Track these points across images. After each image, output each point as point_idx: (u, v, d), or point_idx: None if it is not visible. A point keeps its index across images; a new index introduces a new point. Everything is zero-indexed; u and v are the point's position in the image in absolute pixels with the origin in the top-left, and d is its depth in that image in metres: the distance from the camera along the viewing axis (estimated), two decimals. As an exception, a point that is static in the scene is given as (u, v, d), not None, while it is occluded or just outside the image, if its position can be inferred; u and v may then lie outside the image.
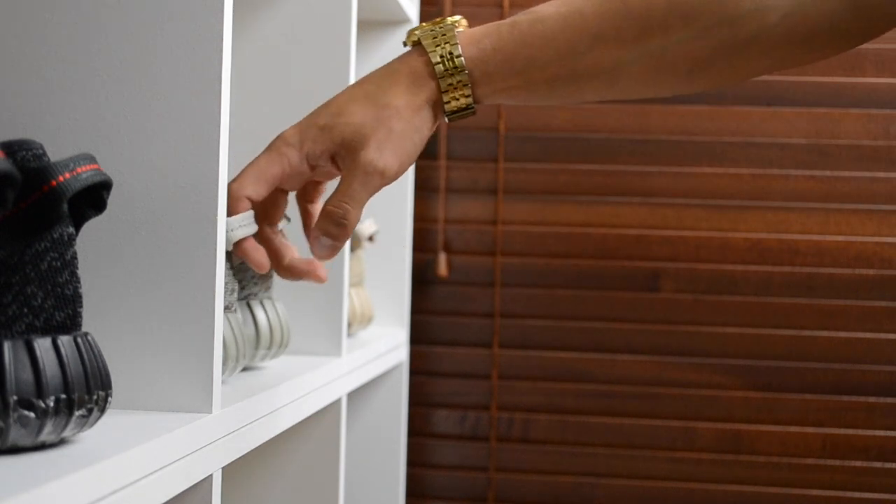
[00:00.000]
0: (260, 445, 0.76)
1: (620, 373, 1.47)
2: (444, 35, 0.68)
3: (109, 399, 0.51)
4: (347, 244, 0.96)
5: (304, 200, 0.73)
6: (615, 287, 1.48)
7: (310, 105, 0.72)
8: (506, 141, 1.50)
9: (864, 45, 1.44)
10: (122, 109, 0.61)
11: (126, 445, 0.51)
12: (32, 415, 0.46)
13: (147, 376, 0.61)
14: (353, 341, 1.13)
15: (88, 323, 0.60)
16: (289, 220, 0.76)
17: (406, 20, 1.36)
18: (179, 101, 0.60)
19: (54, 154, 0.57)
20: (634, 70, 0.68)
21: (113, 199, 0.60)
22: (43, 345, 0.47)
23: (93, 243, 0.61)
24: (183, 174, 0.60)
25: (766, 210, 1.46)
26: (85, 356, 0.49)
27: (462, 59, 0.67)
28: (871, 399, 1.44)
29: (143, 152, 0.61)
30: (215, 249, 0.60)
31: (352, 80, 0.95)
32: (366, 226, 1.16)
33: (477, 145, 1.51)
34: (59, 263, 0.49)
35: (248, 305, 0.79)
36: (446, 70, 0.67)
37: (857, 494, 1.44)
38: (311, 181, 0.72)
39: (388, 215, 1.36)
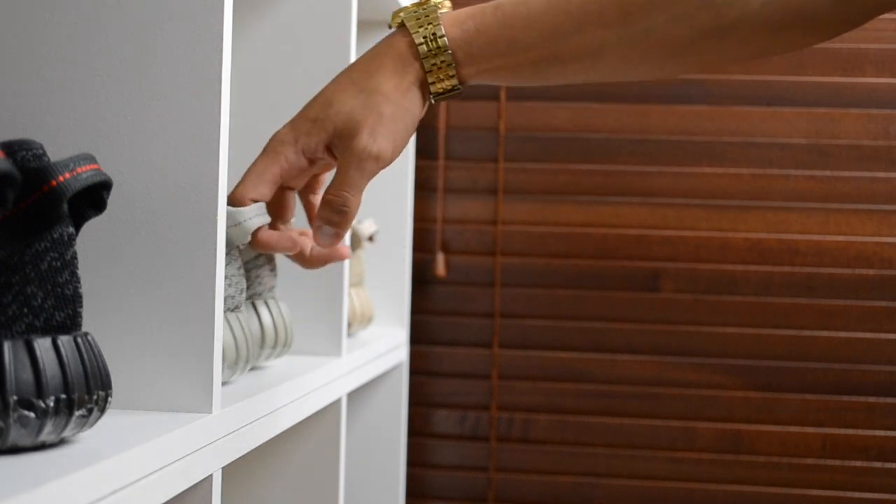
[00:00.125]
0: (260, 445, 0.76)
1: (620, 373, 1.47)
2: (428, 16, 0.68)
3: (109, 399, 0.51)
4: (348, 235, 0.96)
5: (305, 192, 0.73)
6: (615, 287, 1.48)
7: (310, 105, 0.71)
8: (506, 141, 1.50)
9: (865, 45, 1.44)
10: (122, 109, 0.61)
11: (126, 445, 0.51)
12: (32, 415, 0.46)
13: (147, 376, 0.61)
14: (353, 341, 1.13)
15: (88, 323, 0.60)
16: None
17: (406, 20, 1.36)
18: (179, 101, 0.60)
19: (54, 154, 0.57)
20: (617, 52, 0.68)
21: (113, 199, 0.60)
22: (43, 345, 0.47)
23: (93, 243, 0.61)
24: (183, 174, 0.60)
25: (766, 210, 1.46)
26: (85, 356, 0.49)
27: (445, 39, 0.67)
28: (871, 399, 1.44)
29: (143, 152, 0.61)
30: (215, 249, 0.60)
31: (352, 80, 0.95)
32: (366, 226, 1.16)
33: (477, 145, 1.51)
34: (59, 263, 0.49)
35: (253, 305, 0.79)
36: (430, 51, 0.67)
37: (857, 494, 1.44)
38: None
39: (388, 215, 1.36)
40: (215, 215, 0.60)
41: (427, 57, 0.67)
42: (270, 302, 0.81)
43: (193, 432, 0.58)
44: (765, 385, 1.45)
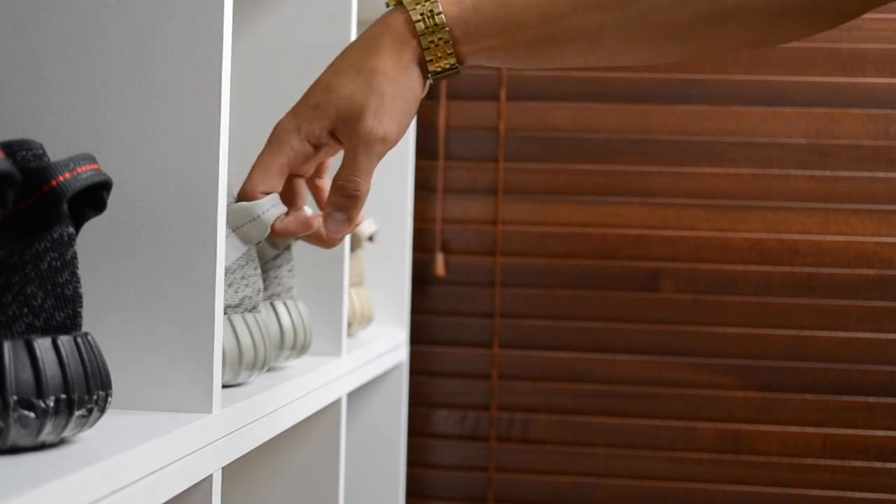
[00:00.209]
0: (260, 445, 0.76)
1: (620, 373, 1.47)
2: None
3: (109, 399, 0.51)
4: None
5: (312, 178, 0.73)
6: (615, 287, 1.48)
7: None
8: (506, 141, 1.50)
9: (865, 45, 1.44)
10: (122, 109, 0.61)
11: (126, 445, 0.51)
12: (32, 415, 0.46)
13: (147, 376, 0.61)
14: (353, 341, 1.13)
15: (88, 323, 0.60)
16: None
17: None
18: (179, 101, 0.60)
19: (54, 154, 0.57)
20: (615, 35, 0.68)
21: (113, 199, 0.60)
22: (43, 345, 0.47)
23: (93, 243, 0.61)
24: (183, 174, 0.60)
25: (766, 210, 1.46)
26: (85, 356, 0.49)
27: (442, 16, 0.67)
28: (871, 399, 1.44)
29: (143, 152, 0.61)
30: (215, 249, 0.60)
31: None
32: (366, 226, 1.16)
33: (477, 145, 1.51)
34: (59, 263, 0.49)
35: (272, 305, 0.79)
36: (427, 28, 0.67)
37: (857, 494, 1.44)
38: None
39: (389, 215, 1.36)
40: (215, 215, 0.60)
41: (424, 34, 0.67)
42: (289, 302, 0.81)
43: (193, 432, 0.58)
44: (765, 385, 1.45)
